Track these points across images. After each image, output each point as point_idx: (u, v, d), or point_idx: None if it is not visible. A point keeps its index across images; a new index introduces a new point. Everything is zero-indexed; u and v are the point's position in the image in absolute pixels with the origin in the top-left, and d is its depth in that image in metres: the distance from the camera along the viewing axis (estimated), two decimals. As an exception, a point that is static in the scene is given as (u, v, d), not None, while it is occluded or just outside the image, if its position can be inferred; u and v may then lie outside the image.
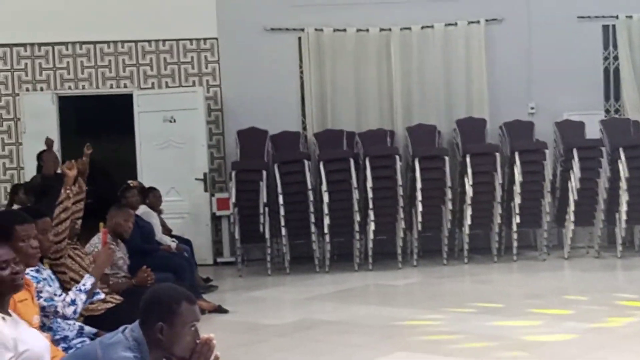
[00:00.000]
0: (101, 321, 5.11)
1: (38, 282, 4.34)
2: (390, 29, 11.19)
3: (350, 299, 8.36)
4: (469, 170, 10.04)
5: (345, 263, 10.25)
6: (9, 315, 3.44)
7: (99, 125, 13.75)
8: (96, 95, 11.50)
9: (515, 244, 10.20)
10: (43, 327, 4.22)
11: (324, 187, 9.91)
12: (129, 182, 9.31)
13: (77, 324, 4.65)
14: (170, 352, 3.00)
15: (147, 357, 2.94)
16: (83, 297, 4.46)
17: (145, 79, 11.29)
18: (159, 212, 9.32)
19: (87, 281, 4.56)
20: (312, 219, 10.01)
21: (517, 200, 10.04)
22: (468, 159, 10.11)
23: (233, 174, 10.13)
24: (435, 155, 10.31)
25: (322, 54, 11.18)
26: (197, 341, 3.02)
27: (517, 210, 10.08)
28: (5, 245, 3.43)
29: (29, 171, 10.21)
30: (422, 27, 11.25)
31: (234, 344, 6.19)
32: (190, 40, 11.29)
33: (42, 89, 11.20)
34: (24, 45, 11.17)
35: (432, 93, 11.19)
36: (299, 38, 11.25)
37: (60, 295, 4.48)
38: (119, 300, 5.74)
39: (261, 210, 9.96)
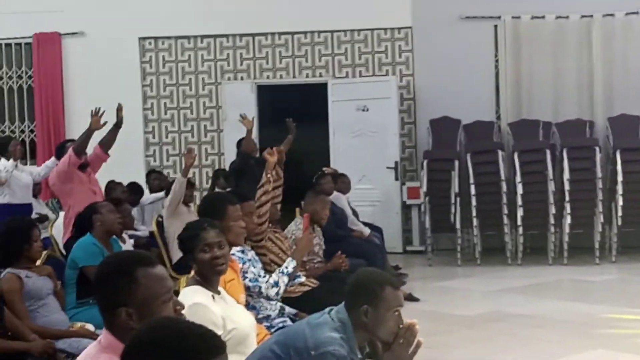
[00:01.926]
0: (298, 303, 5.25)
1: (244, 263, 4.54)
2: (591, 16, 10.74)
3: (542, 293, 8.16)
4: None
5: (538, 256, 9.99)
6: (218, 293, 3.63)
7: (293, 113, 14.13)
8: (292, 84, 11.83)
9: None
10: (247, 306, 4.40)
11: (518, 178, 9.69)
12: (324, 169, 9.51)
13: (279, 304, 4.82)
14: (374, 335, 3.06)
15: (352, 338, 3.01)
16: (285, 279, 4.60)
17: (340, 68, 11.49)
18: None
19: (290, 264, 4.70)
20: (505, 211, 9.82)
21: None
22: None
23: (425, 163, 10.12)
24: (638, 147, 9.81)
25: (518, 42, 10.91)
26: (400, 326, 3.05)
27: None
28: (214, 228, 3.61)
29: (229, 157, 10.64)
30: (627, 14, 10.71)
31: (423, 333, 6.17)
32: (385, 29, 11.36)
33: (242, 79, 11.65)
34: (226, 36, 11.67)
35: (637, 82, 10.61)
36: (495, 26, 11.04)
37: (263, 276, 4.65)
38: (315, 284, 5.89)
39: (452, 200, 9.89)
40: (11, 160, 7.55)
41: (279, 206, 5.88)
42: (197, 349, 1.77)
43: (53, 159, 8.08)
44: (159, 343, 1.78)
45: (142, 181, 10.68)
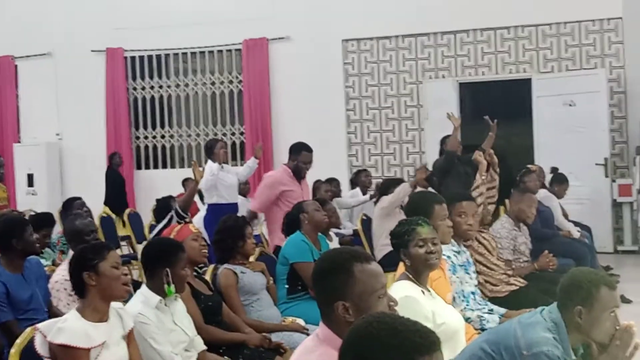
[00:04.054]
0: (505, 302, 5.16)
1: (453, 266, 4.52)
2: None
3: None
4: None
5: None
6: (428, 291, 3.67)
7: (496, 110, 13.89)
8: (494, 81, 11.64)
9: None
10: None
11: None
12: (529, 166, 9.27)
13: (489, 305, 4.76)
14: (589, 336, 2.96)
15: (566, 339, 2.93)
16: (476, 321, 4.50)
17: (545, 63, 11.17)
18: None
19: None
20: None
21: None
22: None
23: (637, 158, 9.64)
24: None
25: None
26: (617, 327, 2.94)
27: None
28: (429, 225, 3.67)
29: (430, 156, 10.63)
30: None
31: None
32: (593, 21, 10.92)
33: (443, 77, 11.61)
34: (427, 34, 11.67)
35: None
36: None
37: (467, 297, 4.61)
38: (523, 284, 5.76)
39: (669, 198, 9.36)
40: (216, 163, 7.93)
41: (491, 207, 5.78)
42: (413, 344, 1.80)
43: (253, 159, 8.44)
44: (376, 337, 1.83)
45: (344, 180, 10.95)
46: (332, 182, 8.97)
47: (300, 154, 7.10)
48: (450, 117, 8.66)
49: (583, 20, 10.95)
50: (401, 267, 3.77)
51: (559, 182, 9.02)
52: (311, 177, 8.66)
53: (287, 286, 5.27)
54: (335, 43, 11.98)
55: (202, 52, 12.76)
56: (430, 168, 9.52)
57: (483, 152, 8.14)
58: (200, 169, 7.55)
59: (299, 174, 7.08)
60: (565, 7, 10.90)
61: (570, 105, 10.66)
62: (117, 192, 11.97)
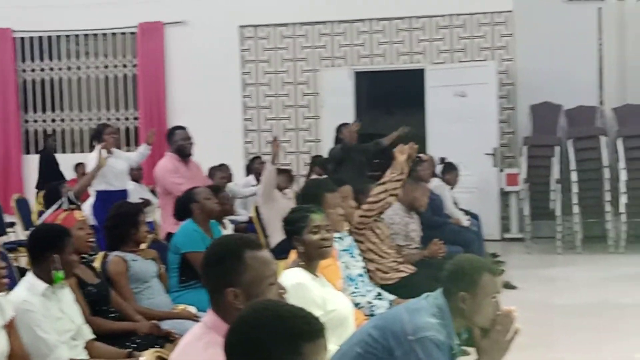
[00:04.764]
0: (395, 289, 5.27)
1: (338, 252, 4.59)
2: (702, -4, 10.37)
3: (648, 282, 7.94)
4: None
5: (642, 245, 9.74)
6: (317, 277, 3.71)
7: (390, 100, 14.14)
8: (389, 71, 11.81)
9: None
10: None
11: (622, 164, 9.45)
12: (421, 155, 9.45)
13: (377, 289, 4.85)
14: (471, 321, 3.05)
15: (450, 324, 3.01)
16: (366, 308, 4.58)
17: (438, 54, 11.40)
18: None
19: None
20: (607, 198, 9.58)
21: None
22: None
23: (524, 149, 9.97)
24: None
25: (624, 24, 10.60)
26: (498, 312, 3.04)
27: None
28: (322, 212, 3.71)
29: (326, 143, 10.72)
30: None
31: (525, 321, 6.10)
32: (484, 13, 11.21)
33: (340, 65, 11.70)
34: (324, 22, 11.73)
35: None
36: (599, 9, 10.73)
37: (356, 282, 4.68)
38: (412, 270, 5.88)
39: (552, 187, 9.72)
40: (99, 150, 7.75)
41: (393, 198, 5.82)
42: (299, 331, 1.82)
43: (145, 145, 8.33)
44: (262, 324, 1.84)
45: (240, 167, 10.93)
46: (222, 167, 8.91)
47: (175, 134, 7.18)
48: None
49: (475, 13, 11.22)
50: (293, 255, 3.80)
51: (450, 170, 9.26)
52: (207, 162, 8.62)
53: (178, 274, 5.23)
54: (232, 29, 11.90)
55: (96, 35, 12.46)
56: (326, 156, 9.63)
57: (379, 145, 8.29)
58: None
59: (184, 152, 7.07)
60: (458, -1, 11.17)
61: (461, 96, 10.91)
62: (51, 175, 11.40)
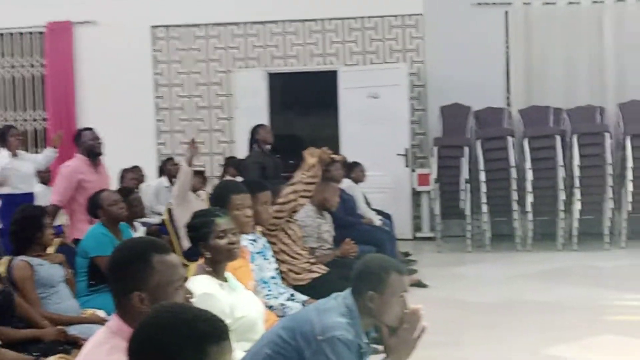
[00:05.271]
0: (308, 290, 5.30)
1: (251, 255, 4.58)
2: (603, 1, 10.71)
3: (554, 279, 8.17)
4: (686, 150, 9.50)
5: (548, 242, 10.00)
6: (225, 281, 3.68)
7: (304, 101, 14.19)
8: (303, 72, 11.85)
9: None
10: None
11: (528, 164, 9.71)
12: (333, 156, 9.50)
13: (290, 290, 4.87)
14: (380, 320, 3.10)
15: (358, 323, 3.05)
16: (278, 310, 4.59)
17: (351, 56, 11.50)
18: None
19: None
20: (515, 197, 9.84)
21: None
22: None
23: (435, 150, 10.15)
24: (649, 133, 9.82)
25: (529, 28, 10.89)
26: (406, 311, 3.10)
27: None
28: (226, 216, 3.68)
29: (240, 145, 10.69)
30: (638, -1, 10.69)
31: (433, 319, 6.21)
32: (395, 16, 11.35)
33: (253, 66, 11.68)
34: (237, 24, 11.69)
35: (648, 68, 10.58)
36: (506, 12, 11.01)
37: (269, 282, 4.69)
38: (325, 271, 5.92)
39: (462, 187, 9.92)
40: (8, 152, 7.56)
41: (303, 200, 5.84)
42: (203, 333, 1.82)
43: (52, 148, 8.15)
44: (166, 327, 1.83)
45: (153, 169, 10.80)
46: (134, 169, 8.80)
47: (82, 135, 7.02)
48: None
49: (386, 16, 11.34)
50: (199, 260, 3.74)
51: (354, 168, 9.36)
52: (119, 164, 8.50)
53: (87, 279, 5.15)
54: (143, 29, 11.74)
55: (2, 35, 12.11)
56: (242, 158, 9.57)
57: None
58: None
59: (94, 152, 6.90)
60: (370, 2, 11.26)
61: (373, 97, 11.03)
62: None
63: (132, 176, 8.63)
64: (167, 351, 1.80)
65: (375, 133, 10.92)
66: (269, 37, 11.65)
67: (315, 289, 5.18)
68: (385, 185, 10.93)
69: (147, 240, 2.55)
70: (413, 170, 11.06)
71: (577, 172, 9.63)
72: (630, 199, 9.62)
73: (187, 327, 1.81)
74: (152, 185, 9.88)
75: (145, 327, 1.86)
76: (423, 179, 10.84)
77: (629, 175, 9.58)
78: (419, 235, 11.09)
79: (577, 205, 9.66)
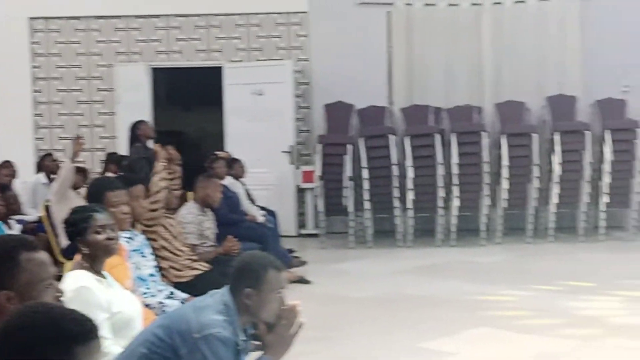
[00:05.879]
0: (189, 287, 5.27)
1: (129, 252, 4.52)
2: (481, 4, 11.04)
3: (432, 275, 8.38)
4: (558, 148, 9.91)
5: (427, 239, 10.24)
6: (104, 277, 3.63)
7: (188, 97, 14.08)
8: (187, 68, 11.73)
9: (603, 223, 10.04)
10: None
11: (409, 162, 9.92)
12: (217, 152, 9.48)
13: (169, 288, 4.82)
14: (257, 317, 3.11)
15: (236, 320, 3.05)
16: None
17: (235, 52, 11.46)
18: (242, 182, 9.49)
19: None
20: (396, 194, 10.04)
21: (607, 179, 9.88)
22: (557, 137, 9.98)
23: (319, 147, 10.24)
24: (523, 132, 10.20)
25: (411, 28, 11.12)
26: (283, 307, 3.12)
27: (606, 190, 9.92)
28: (105, 211, 3.63)
29: (122, 140, 10.48)
30: (515, 2, 11.05)
31: (316, 315, 6.27)
32: (281, 14, 11.38)
33: (136, 61, 11.48)
34: (119, 17, 11.47)
35: (523, 69, 10.94)
36: (388, 12, 11.20)
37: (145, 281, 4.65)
38: (207, 268, 5.91)
39: (345, 184, 10.05)
40: None
41: (176, 192, 5.87)
42: (70, 333, 1.78)
43: None
44: (30, 327, 1.78)
45: (30, 164, 10.47)
46: (6, 164, 8.50)
47: None
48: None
49: (271, 13, 11.36)
50: (76, 256, 3.68)
51: (233, 164, 9.35)
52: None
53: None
54: (21, 21, 11.36)
55: None
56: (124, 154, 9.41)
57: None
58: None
59: None
60: (255, -1, 11.27)
61: (258, 94, 11.03)
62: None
63: (6, 172, 8.34)
64: (32, 352, 1.75)
65: (260, 130, 10.93)
66: (153, 32, 11.48)
67: (197, 287, 5.14)
68: (270, 182, 10.95)
69: (14, 238, 2.48)
70: (297, 168, 11.12)
71: (455, 169, 9.91)
72: (505, 196, 9.97)
73: (52, 327, 1.77)
74: (29, 181, 9.56)
75: (9, 327, 1.80)
76: (307, 176, 10.92)
77: (505, 173, 9.93)
78: (303, 232, 11.16)
79: (456, 202, 9.94)
